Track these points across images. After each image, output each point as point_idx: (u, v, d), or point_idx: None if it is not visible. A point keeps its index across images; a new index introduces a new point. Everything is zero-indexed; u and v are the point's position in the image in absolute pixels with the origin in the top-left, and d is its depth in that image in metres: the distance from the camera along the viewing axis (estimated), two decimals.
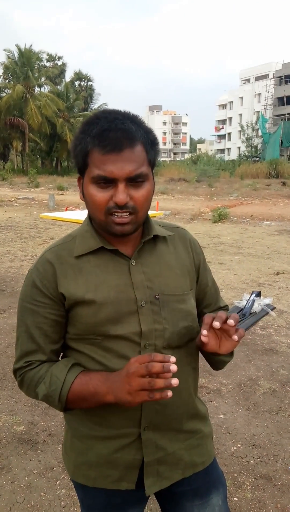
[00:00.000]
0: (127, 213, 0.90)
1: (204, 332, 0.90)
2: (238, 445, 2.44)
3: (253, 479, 2.17)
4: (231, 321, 0.88)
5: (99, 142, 0.87)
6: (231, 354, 1.10)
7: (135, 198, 0.90)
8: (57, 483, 2.14)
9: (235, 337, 0.90)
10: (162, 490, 1.04)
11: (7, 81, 40.58)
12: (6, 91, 39.18)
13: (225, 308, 1.20)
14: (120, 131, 0.86)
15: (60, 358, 1.04)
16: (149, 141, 0.92)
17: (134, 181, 0.89)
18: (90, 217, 1.01)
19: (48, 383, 0.94)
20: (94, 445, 1.01)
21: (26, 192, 20.52)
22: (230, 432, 2.56)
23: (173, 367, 0.77)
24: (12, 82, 39.10)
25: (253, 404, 2.87)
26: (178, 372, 1.01)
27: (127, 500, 1.05)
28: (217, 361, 1.10)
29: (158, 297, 0.98)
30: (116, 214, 0.90)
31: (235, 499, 2.05)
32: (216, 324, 0.88)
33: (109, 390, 0.88)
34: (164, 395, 0.79)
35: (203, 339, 0.91)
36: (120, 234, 0.93)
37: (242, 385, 3.12)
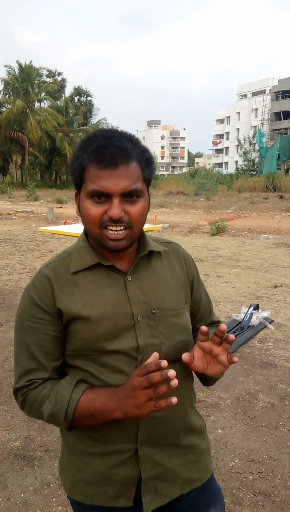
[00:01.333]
0: (122, 228, 0.92)
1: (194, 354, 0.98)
2: (237, 461, 2.41)
3: (252, 495, 2.14)
4: (231, 336, 0.91)
5: (94, 158, 0.89)
6: None
7: (130, 213, 0.91)
8: (54, 500, 2.10)
9: (224, 359, 0.94)
10: (159, 507, 1.03)
11: (7, 96, 41.10)
12: (6, 106, 39.67)
13: (216, 324, 1.21)
14: (116, 148, 0.89)
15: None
16: (145, 159, 0.94)
17: (129, 196, 0.91)
18: (86, 233, 1.02)
19: (54, 402, 0.92)
20: (91, 461, 1.00)
21: (25, 205, 20.59)
22: (229, 447, 2.53)
23: (171, 373, 0.78)
24: (12, 97, 39.61)
25: (251, 418, 2.84)
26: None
27: None
28: (206, 378, 1.10)
29: (154, 311, 0.99)
30: (110, 229, 0.91)
31: None
32: (204, 328, 0.93)
33: (117, 406, 0.88)
34: (168, 402, 0.80)
35: (184, 357, 0.96)
36: (114, 250, 0.93)
37: (240, 399, 3.10)
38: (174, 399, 0.80)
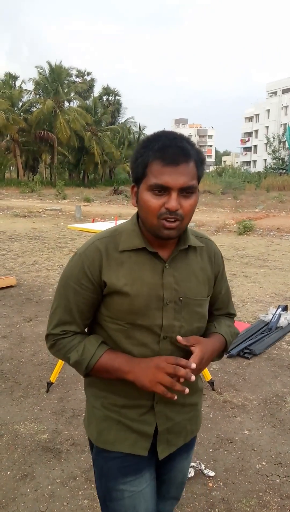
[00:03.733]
0: (176, 220, 1.04)
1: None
2: (263, 463, 2.38)
3: (279, 499, 2.11)
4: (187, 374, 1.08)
5: (160, 155, 1.01)
6: (219, 356, 1.25)
7: (184, 207, 1.04)
8: (80, 493, 2.14)
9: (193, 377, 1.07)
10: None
11: (38, 96, 41.84)
12: (37, 106, 40.42)
13: (232, 316, 1.37)
14: (179, 148, 1.01)
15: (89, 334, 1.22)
16: (200, 159, 1.07)
17: (185, 191, 1.03)
18: (138, 219, 1.15)
19: (81, 352, 1.13)
20: (114, 412, 1.18)
21: (54, 204, 20.94)
22: (255, 449, 2.50)
23: (193, 378, 1.03)
24: (42, 97, 40.31)
25: (279, 421, 2.80)
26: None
27: (141, 463, 1.21)
28: None
29: (181, 299, 1.14)
30: (166, 219, 1.03)
31: None
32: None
33: (131, 370, 1.09)
34: (174, 396, 1.06)
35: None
36: (167, 238, 1.06)
37: (267, 401, 3.05)
38: (186, 390, 1.05)
